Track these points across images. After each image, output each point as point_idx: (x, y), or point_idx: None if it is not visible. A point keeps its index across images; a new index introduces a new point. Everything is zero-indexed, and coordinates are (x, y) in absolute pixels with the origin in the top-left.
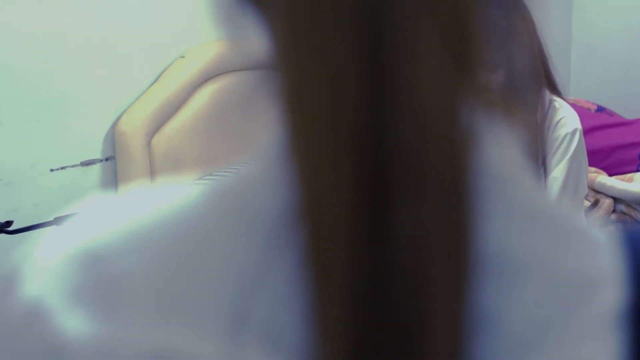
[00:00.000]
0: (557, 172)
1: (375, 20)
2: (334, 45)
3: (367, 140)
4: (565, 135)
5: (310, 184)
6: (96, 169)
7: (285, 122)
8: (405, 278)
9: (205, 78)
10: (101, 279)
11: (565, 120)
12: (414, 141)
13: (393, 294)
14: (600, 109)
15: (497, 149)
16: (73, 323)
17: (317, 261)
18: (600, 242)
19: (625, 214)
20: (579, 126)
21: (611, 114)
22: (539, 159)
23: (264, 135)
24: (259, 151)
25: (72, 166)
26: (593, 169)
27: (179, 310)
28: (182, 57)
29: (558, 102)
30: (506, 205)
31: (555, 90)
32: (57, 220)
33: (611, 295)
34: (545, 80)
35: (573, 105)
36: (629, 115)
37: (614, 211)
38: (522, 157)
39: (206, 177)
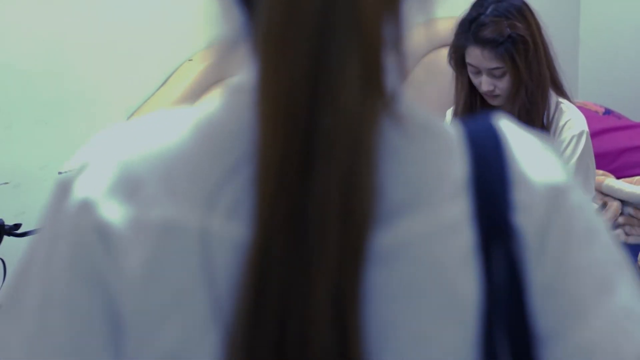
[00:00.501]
0: None
1: (319, 49)
2: (294, 54)
3: (304, 118)
4: (572, 138)
5: (264, 130)
6: None
7: (257, 89)
8: (317, 200)
9: (213, 81)
10: (128, 178)
11: (572, 123)
12: (332, 125)
13: (308, 206)
14: (607, 112)
15: (394, 131)
16: (110, 210)
17: (260, 181)
18: (454, 141)
19: (632, 216)
20: (586, 128)
21: (619, 116)
22: None
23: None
24: (239, 91)
25: None
26: (600, 171)
27: (178, 195)
28: (190, 60)
29: (565, 104)
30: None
31: (562, 93)
32: None
33: (459, 174)
34: (552, 83)
35: (581, 108)
36: (636, 118)
37: (621, 214)
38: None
39: None
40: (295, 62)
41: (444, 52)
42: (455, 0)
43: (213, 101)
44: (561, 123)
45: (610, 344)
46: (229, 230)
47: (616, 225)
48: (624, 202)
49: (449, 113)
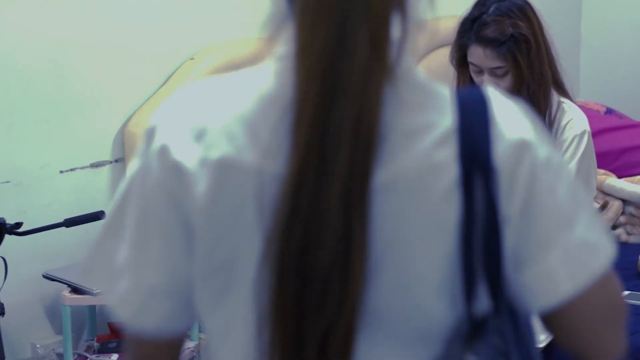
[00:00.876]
0: None
1: (340, 26)
2: (323, 30)
3: (329, 76)
4: (574, 137)
5: (301, 86)
6: (106, 170)
7: (295, 55)
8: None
9: None
10: (194, 128)
11: (574, 122)
12: (349, 81)
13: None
14: (609, 111)
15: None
16: (182, 153)
17: (296, 126)
18: (447, 100)
19: (634, 215)
20: (588, 128)
21: (620, 116)
22: None
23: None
24: (283, 59)
25: (82, 168)
26: (602, 171)
27: (235, 140)
28: (191, 58)
29: (567, 104)
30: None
31: (564, 93)
32: (66, 222)
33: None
34: (553, 82)
35: (582, 107)
36: (638, 118)
37: (623, 213)
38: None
39: None
40: (323, 35)
41: (445, 52)
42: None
43: (260, 67)
44: (563, 123)
45: (567, 271)
46: (274, 166)
47: (617, 225)
48: (625, 202)
49: None
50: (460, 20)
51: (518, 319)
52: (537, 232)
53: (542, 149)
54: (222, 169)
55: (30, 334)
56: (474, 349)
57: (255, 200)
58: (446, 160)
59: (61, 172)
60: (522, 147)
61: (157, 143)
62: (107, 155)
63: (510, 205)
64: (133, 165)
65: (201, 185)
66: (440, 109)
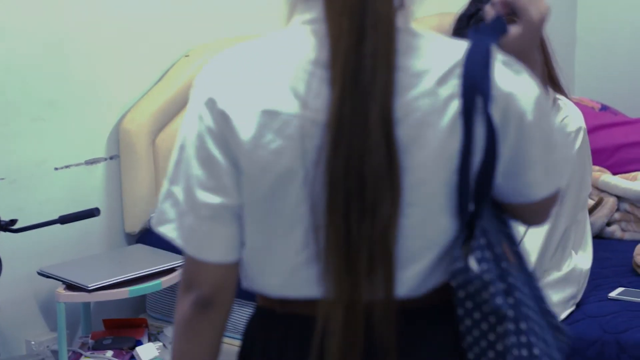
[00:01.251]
0: None
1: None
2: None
3: (356, 24)
4: (569, 134)
5: (333, 34)
6: (100, 167)
7: (325, 9)
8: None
9: None
10: (241, 81)
11: (569, 119)
12: (371, 23)
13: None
14: (604, 108)
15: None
16: (228, 103)
17: (333, 61)
18: (461, 46)
19: (629, 212)
20: (583, 125)
21: (615, 112)
22: None
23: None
24: (308, 22)
25: (77, 165)
26: (597, 167)
27: (281, 91)
28: (186, 56)
29: (562, 100)
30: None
31: (559, 89)
32: (61, 219)
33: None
34: (549, 79)
35: (577, 104)
36: (633, 114)
37: (617, 210)
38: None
39: None
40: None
41: None
42: None
43: (286, 31)
44: (559, 119)
45: (545, 181)
46: (313, 113)
47: (612, 222)
48: (620, 198)
49: None
50: (457, 17)
51: (499, 218)
52: (525, 157)
53: (527, 98)
54: (265, 118)
55: (25, 331)
56: (468, 248)
57: (296, 142)
58: (452, 95)
59: (56, 169)
60: (510, 94)
61: (205, 97)
62: (102, 152)
63: (504, 141)
64: (186, 121)
65: (247, 132)
66: (449, 53)
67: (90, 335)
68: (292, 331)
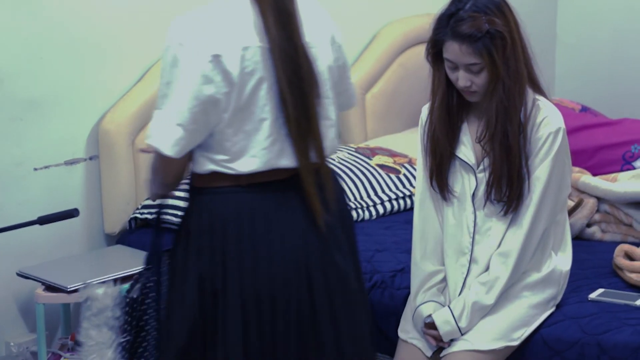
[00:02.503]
0: (540, 171)
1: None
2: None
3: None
4: (549, 135)
5: (267, 26)
6: (80, 167)
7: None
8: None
9: None
10: (198, 28)
11: (549, 120)
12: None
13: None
14: (584, 109)
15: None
16: (190, 43)
17: (269, 27)
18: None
19: (609, 213)
20: (563, 125)
21: (595, 114)
22: (523, 158)
23: None
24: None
25: (56, 165)
26: (577, 168)
27: (224, 36)
28: None
29: (542, 101)
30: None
31: (539, 90)
32: (40, 220)
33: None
34: (529, 80)
35: (557, 105)
36: (613, 116)
37: (597, 211)
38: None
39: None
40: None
41: (419, 50)
42: None
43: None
44: (538, 120)
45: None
46: (264, 42)
47: (592, 223)
48: (600, 200)
49: (425, 109)
50: (437, 16)
51: None
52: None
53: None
54: (244, 53)
55: (4, 333)
56: None
57: (260, 64)
58: (329, 29)
59: (35, 169)
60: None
61: (195, 43)
62: (81, 153)
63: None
64: (173, 59)
65: (233, 67)
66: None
67: (70, 337)
68: (260, 195)
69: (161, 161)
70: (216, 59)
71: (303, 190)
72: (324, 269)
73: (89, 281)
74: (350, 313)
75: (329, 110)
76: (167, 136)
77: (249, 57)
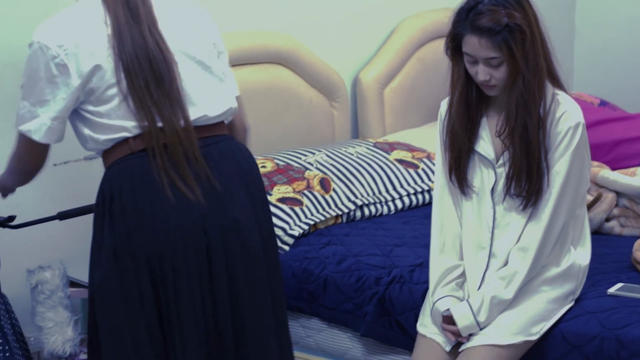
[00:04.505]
0: (560, 165)
1: None
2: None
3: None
4: (568, 129)
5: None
6: (99, 163)
7: None
8: None
9: None
10: (56, 22)
11: (568, 114)
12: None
13: None
14: (603, 103)
15: None
16: (45, 37)
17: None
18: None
19: (628, 208)
20: (582, 120)
21: (614, 108)
22: (542, 152)
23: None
24: None
25: (76, 161)
26: (596, 163)
27: (77, 28)
28: None
29: (561, 95)
30: None
31: (558, 84)
32: (60, 215)
33: None
34: (548, 74)
35: (576, 99)
36: (632, 110)
37: (616, 205)
38: None
39: None
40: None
41: (438, 44)
42: None
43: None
44: (557, 114)
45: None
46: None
47: (611, 217)
48: (619, 194)
49: (444, 104)
50: (456, 10)
51: None
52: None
53: None
54: (85, 52)
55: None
56: None
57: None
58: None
59: (55, 165)
60: None
61: (47, 47)
62: None
63: None
64: (32, 60)
65: (75, 66)
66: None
67: None
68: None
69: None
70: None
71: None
72: (220, 226)
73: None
74: (245, 268)
75: (186, 79)
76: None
77: (95, 49)
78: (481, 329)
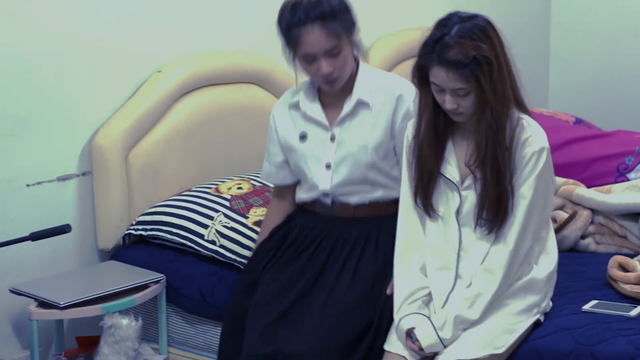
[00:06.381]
0: (525, 190)
1: None
2: None
3: None
4: (533, 154)
5: None
6: (73, 183)
7: None
8: None
9: (182, 92)
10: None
11: (533, 139)
12: None
13: None
14: (578, 121)
15: None
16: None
17: None
18: None
19: (603, 225)
20: (547, 145)
21: (589, 126)
22: (507, 176)
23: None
24: None
25: (49, 181)
26: (571, 180)
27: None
28: (159, 71)
29: (526, 120)
30: None
31: (523, 109)
32: (32, 236)
33: None
34: (514, 101)
35: (551, 117)
36: (607, 128)
37: (592, 223)
38: None
39: (184, 192)
40: None
41: (412, 64)
42: (423, 12)
43: None
44: (522, 139)
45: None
46: None
47: (587, 235)
48: (594, 211)
49: (411, 126)
50: (422, 41)
51: None
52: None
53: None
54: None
55: None
56: None
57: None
58: None
59: (28, 185)
60: None
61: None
62: (74, 169)
63: None
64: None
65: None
66: None
67: (63, 353)
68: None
69: None
70: None
71: None
72: None
73: (81, 297)
74: None
75: None
76: None
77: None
78: (445, 347)
